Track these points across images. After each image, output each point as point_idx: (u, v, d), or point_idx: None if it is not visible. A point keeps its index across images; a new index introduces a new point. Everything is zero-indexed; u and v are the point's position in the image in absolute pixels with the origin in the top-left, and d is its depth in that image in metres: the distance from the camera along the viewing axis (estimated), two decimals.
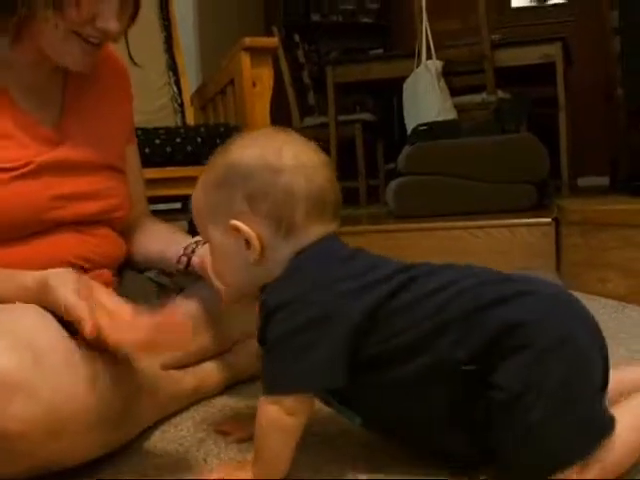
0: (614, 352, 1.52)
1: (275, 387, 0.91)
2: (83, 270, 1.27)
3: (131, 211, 1.42)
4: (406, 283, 0.93)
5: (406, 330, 0.91)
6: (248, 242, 0.95)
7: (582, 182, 4.79)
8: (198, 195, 1.01)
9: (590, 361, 0.90)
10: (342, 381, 0.90)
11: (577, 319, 0.92)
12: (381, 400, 0.96)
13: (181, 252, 1.34)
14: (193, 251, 1.32)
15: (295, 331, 0.89)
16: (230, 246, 0.98)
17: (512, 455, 0.88)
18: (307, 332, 0.89)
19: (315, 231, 0.96)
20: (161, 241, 1.42)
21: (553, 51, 3.97)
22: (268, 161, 0.94)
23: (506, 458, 0.89)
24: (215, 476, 0.96)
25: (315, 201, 0.95)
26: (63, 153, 1.26)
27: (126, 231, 1.43)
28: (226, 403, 1.35)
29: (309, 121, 4.81)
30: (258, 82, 2.30)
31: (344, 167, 4.58)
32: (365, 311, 0.90)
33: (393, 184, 3.15)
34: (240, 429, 1.15)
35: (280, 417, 0.90)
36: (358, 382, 0.93)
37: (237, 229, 0.95)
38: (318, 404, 0.97)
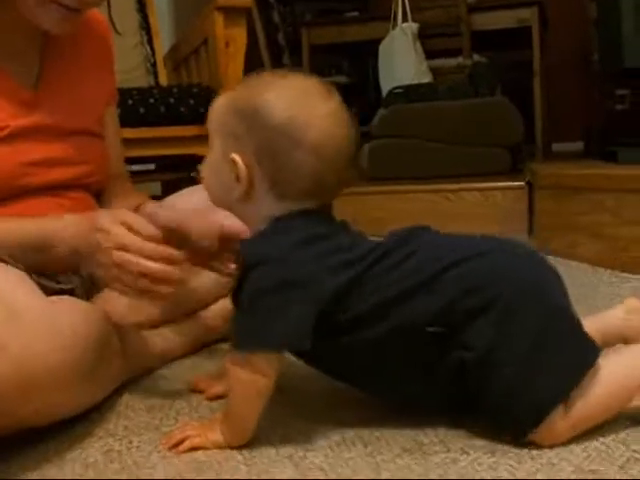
0: (585, 313, 1.56)
1: (244, 344, 0.92)
2: None
3: (108, 173, 1.41)
4: (378, 259, 0.94)
5: (372, 298, 0.92)
6: (238, 177, 0.95)
7: (557, 147, 4.79)
8: (220, 108, 0.98)
9: (557, 303, 0.93)
10: (308, 344, 0.90)
11: (538, 269, 0.95)
12: (351, 361, 0.98)
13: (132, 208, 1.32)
14: (137, 209, 1.30)
15: (269, 290, 0.90)
16: (224, 169, 0.96)
17: (495, 409, 0.91)
18: (280, 293, 0.90)
19: (308, 202, 0.96)
20: (117, 202, 1.38)
21: (529, 15, 3.96)
22: (292, 129, 0.92)
23: (489, 411, 0.92)
24: (183, 435, 0.97)
25: (319, 182, 0.95)
26: (39, 118, 1.25)
27: (101, 194, 1.42)
28: (197, 362, 1.35)
29: None
30: (231, 42, 2.28)
31: None
32: (340, 285, 0.92)
33: (367, 147, 3.14)
34: (214, 386, 1.16)
35: (250, 377, 0.91)
36: (328, 345, 0.94)
37: (235, 162, 0.94)
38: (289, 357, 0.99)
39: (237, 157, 0.94)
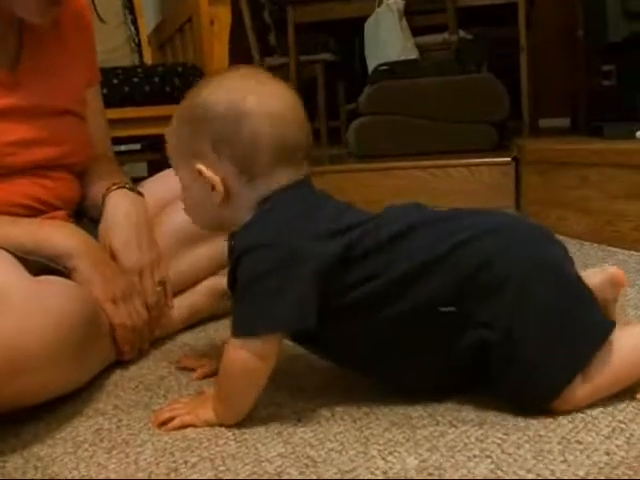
0: None
1: (244, 329, 0.91)
2: (38, 212, 1.26)
3: (91, 154, 1.40)
4: (372, 229, 0.94)
5: (378, 276, 0.91)
6: (213, 186, 0.95)
7: (543, 123, 4.79)
8: (170, 133, 1.01)
9: (569, 276, 0.93)
10: (312, 323, 0.90)
11: (547, 244, 0.95)
12: (355, 345, 0.97)
13: (103, 190, 1.32)
14: (108, 189, 1.31)
15: (263, 274, 0.89)
16: (197, 187, 0.97)
17: (517, 384, 0.91)
18: (275, 274, 0.89)
19: (283, 176, 0.96)
20: (101, 183, 1.37)
21: None
22: (233, 106, 0.93)
23: (509, 388, 0.92)
24: (173, 413, 0.97)
25: (280, 147, 0.94)
26: (17, 98, 1.24)
27: (83, 174, 1.41)
28: (187, 341, 1.36)
29: (270, 61, 4.75)
30: (216, 20, 2.26)
31: (305, 108, 4.54)
32: (335, 254, 0.91)
33: (354, 124, 3.14)
34: (203, 365, 1.16)
35: (250, 361, 0.90)
36: (334, 328, 0.94)
37: (201, 173, 0.95)
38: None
39: (201, 166, 0.95)
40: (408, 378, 0.99)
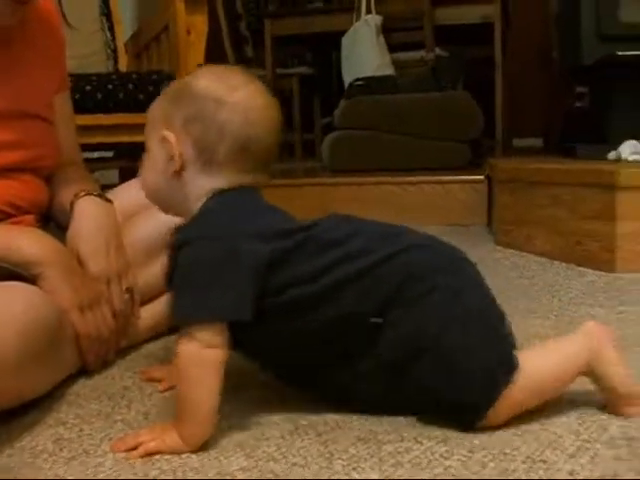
0: (549, 303, 1.58)
1: (183, 316, 0.92)
2: (6, 215, 1.24)
3: (60, 159, 1.39)
4: (313, 236, 0.95)
5: (308, 281, 0.93)
6: (172, 156, 0.97)
7: (517, 143, 4.85)
8: (152, 105, 1.03)
9: (490, 292, 0.96)
10: (248, 316, 0.90)
11: (466, 274, 0.98)
12: (283, 348, 0.98)
13: (71, 196, 1.31)
14: (76, 195, 1.30)
15: (202, 264, 0.91)
16: (157, 151, 1.00)
17: (444, 396, 0.92)
18: (214, 266, 0.90)
19: (235, 176, 0.98)
20: (69, 189, 1.35)
21: (492, 11, 3.99)
22: (217, 93, 0.96)
23: (435, 401, 0.93)
24: (137, 441, 0.92)
25: (242, 146, 0.96)
26: None
27: (51, 179, 1.39)
28: (153, 351, 1.34)
29: None
30: (192, 29, 2.26)
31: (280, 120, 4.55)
32: (274, 254, 0.92)
33: (328, 138, 3.15)
34: (168, 376, 1.14)
35: (199, 351, 0.90)
36: (263, 330, 0.94)
37: (165, 139, 0.97)
38: None
39: (166, 132, 0.98)
40: (337, 389, 1.00)
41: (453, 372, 0.91)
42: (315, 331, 0.94)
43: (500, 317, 0.96)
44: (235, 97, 0.96)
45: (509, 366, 0.91)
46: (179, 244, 0.93)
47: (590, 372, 0.96)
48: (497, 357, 0.92)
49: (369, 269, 0.93)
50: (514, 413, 0.93)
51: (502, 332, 0.94)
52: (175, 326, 1.39)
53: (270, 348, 0.98)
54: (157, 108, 1.02)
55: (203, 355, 0.90)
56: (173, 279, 0.93)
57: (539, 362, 0.94)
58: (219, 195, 0.97)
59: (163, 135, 0.97)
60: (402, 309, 0.92)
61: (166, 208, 1.04)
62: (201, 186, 0.97)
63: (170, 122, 0.98)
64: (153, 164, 1.01)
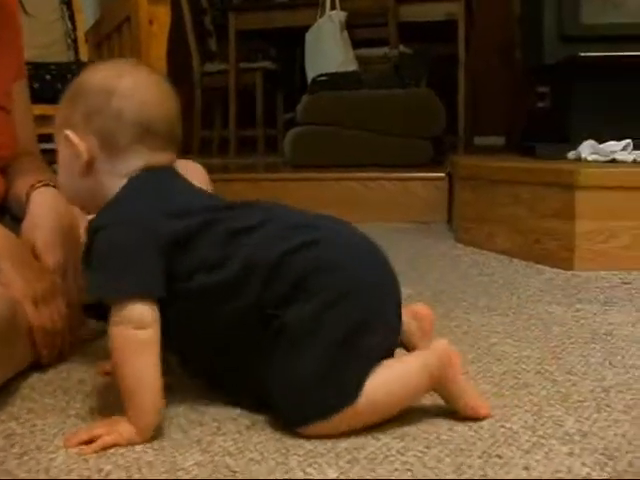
0: (508, 300, 1.60)
1: (99, 293, 0.94)
2: None
3: (16, 149, 1.36)
4: (219, 219, 0.96)
5: (217, 266, 0.93)
6: (79, 153, 0.99)
7: (479, 141, 4.88)
8: (57, 112, 1.05)
9: (369, 323, 0.92)
10: (161, 293, 0.92)
11: (372, 267, 0.96)
12: (194, 339, 0.99)
13: (27, 187, 1.29)
14: (32, 186, 1.29)
15: (116, 246, 0.93)
16: (65, 155, 1.02)
17: (276, 398, 0.92)
18: (126, 246, 0.93)
19: (141, 158, 1.00)
20: (25, 179, 1.33)
21: (456, 9, 4.01)
22: (107, 82, 1.00)
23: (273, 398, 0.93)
24: (90, 435, 0.90)
25: (143, 128, 0.99)
26: None
27: (7, 169, 1.37)
28: (106, 346, 1.32)
29: (210, 67, 4.73)
30: (155, 21, 2.23)
31: (243, 115, 4.53)
32: (181, 232, 0.93)
33: (290, 133, 3.14)
34: None
35: (129, 332, 0.90)
36: (173, 314, 0.94)
37: (67, 138, 1.00)
38: None
39: (68, 132, 1.00)
40: (231, 381, 1.00)
41: (291, 380, 0.90)
42: (220, 320, 0.94)
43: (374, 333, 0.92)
44: (124, 83, 0.99)
45: (346, 397, 0.89)
46: (94, 229, 0.95)
47: (439, 390, 0.95)
48: (337, 387, 0.89)
49: (273, 261, 0.92)
50: (352, 428, 0.90)
51: (360, 354, 0.91)
52: None
53: (184, 338, 0.99)
54: (58, 113, 1.04)
55: (137, 336, 0.91)
56: (89, 261, 0.95)
57: (380, 382, 0.91)
58: (134, 178, 0.99)
59: (65, 135, 1.00)
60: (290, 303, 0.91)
61: (90, 207, 1.05)
62: (115, 173, 0.99)
63: (71, 122, 1.00)
64: (65, 167, 1.04)
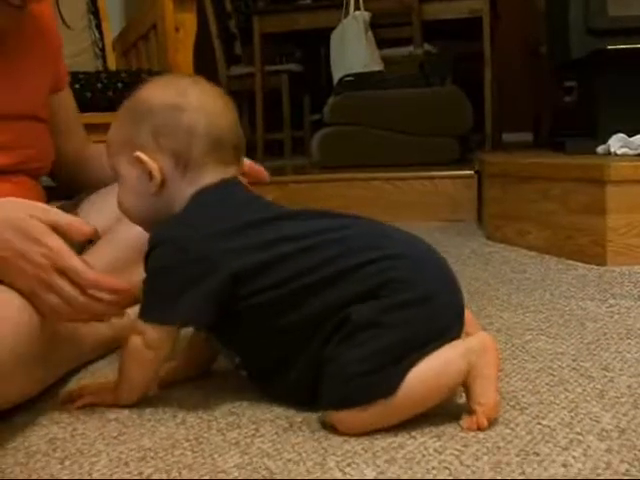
0: (541, 297, 1.59)
1: (146, 315, 0.97)
2: None
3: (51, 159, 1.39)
4: (291, 238, 0.96)
5: (289, 281, 0.93)
6: (151, 173, 1.00)
7: (507, 137, 4.85)
8: (111, 129, 1.05)
9: (436, 337, 0.92)
10: (208, 322, 0.97)
11: (442, 282, 0.96)
12: (263, 343, 0.99)
13: None
14: None
15: (165, 269, 0.96)
16: (134, 176, 1.02)
17: (324, 378, 0.92)
18: (176, 273, 0.95)
19: (213, 172, 1.01)
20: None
21: (480, 6, 3.99)
22: (173, 100, 1.00)
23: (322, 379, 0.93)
24: (82, 392, 1.05)
25: (214, 141, 1.00)
26: None
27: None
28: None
29: (235, 70, 4.75)
30: (181, 27, 2.25)
31: (270, 118, 4.54)
32: (240, 272, 0.93)
33: (317, 135, 3.15)
34: (174, 372, 1.14)
35: (140, 350, 0.97)
36: (242, 326, 0.97)
37: (140, 160, 0.99)
38: None
39: (139, 154, 1.00)
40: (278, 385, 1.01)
41: (343, 363, 0.90)
42: (293, 328, 0.95)
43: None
44: (190, 98, 1.00)
45: (389, 389, 0.89)
46: (151, 244, 0.97)
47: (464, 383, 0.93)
48: (385, 379, 0.89)
49: (351, 270, 0.92)
50: (376, 425, 0.91)
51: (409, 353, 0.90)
52: None
53: (241, 338, 1.00)
54: (116, 134, 1.04)
55: (144, 355, 0.98)
56: (144, 278, 0.98)
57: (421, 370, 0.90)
58: (199, 194, 1.00)
59: (135, 157, 0.99)
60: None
61: (151, 219, 1.04)
62: (183, 190, 1.00)
63: (136, 142, 1.00)
64: (130, 188, 1.03)
